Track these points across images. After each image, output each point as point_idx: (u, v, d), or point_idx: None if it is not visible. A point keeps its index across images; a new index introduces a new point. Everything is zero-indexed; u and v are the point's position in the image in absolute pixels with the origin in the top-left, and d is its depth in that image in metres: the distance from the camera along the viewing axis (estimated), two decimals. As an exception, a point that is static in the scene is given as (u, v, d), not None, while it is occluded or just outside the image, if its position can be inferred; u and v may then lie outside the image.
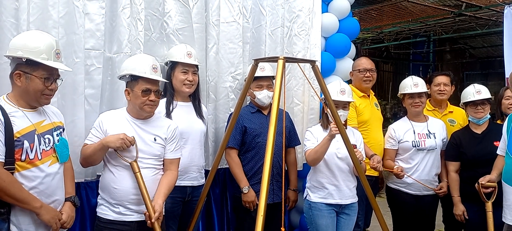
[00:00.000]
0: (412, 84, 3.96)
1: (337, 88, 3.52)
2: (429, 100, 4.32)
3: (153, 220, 2.76)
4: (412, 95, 3.96)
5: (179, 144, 3.10)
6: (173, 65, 3.44)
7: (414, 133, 3.95)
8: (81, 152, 2.91)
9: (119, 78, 3.06)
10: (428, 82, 4.38)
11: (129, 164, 2.83)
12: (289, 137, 3.88)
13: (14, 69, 2.46)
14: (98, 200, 2.97)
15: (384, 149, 4.06)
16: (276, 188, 3.66)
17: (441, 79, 4.30)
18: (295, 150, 3.99)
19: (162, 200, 2.88)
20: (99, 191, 2.97)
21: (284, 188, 3.42)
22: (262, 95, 3.69)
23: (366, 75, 4.15)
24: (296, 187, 3.96)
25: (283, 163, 3.24)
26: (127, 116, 2.96)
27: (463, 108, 4.09)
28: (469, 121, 3.97)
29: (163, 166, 3.01)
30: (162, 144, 2.98)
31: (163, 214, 2.99)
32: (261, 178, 2.34)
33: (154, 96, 2.90)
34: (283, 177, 3.24)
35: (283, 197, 2.97)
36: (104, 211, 2.89)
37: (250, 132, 3.66)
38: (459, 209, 3.84)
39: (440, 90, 4.25)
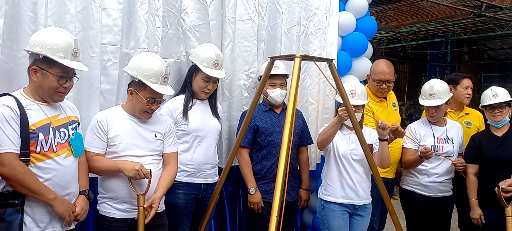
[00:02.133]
0: (429, 93, 3.84)
1: (347, 90, 3.42)
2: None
3: (145, 206, 2.76)
4: (428, 106, 3.89)
5: (175, 137, 3.10)
6: (197, 67, 3.37)
7: (434, 137, 3.88)
8: (91, 161, 2.79)
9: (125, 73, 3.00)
10: (453, 82, 4.28)
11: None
12: (302, 136, 3.84)
13: (31, 64, 2.48)
14: (98, 198, 2.93)
15: (403, 148, 3.96)
16: (287, 187, 3.61)
17: (468, 82, 4.25)
18: (308, 149, 3.95)
19: (161, 193, 2.88)
20: (100, 188, 2.92)
21: (296, 187, 3.39)
22: (275, 94, 3.67)
23: (381, 86, 4.04)
24: (308, 186, 3.92)
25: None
26: (125, 114, 2.91)
27: (481, 111, 4.02)
28: (488, 123, 3.90)
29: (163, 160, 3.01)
30: (162, 140, 2.98)
31: (163, 209, 3.01)
32: (273, 176, 2.32)
33: (156, 106, 2.90)
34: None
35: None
36: (107, 210, 2.87)
37: (262, 130, 3.64)
38: (476, 212, 3.77)
39: (469, 94, 4.22)
